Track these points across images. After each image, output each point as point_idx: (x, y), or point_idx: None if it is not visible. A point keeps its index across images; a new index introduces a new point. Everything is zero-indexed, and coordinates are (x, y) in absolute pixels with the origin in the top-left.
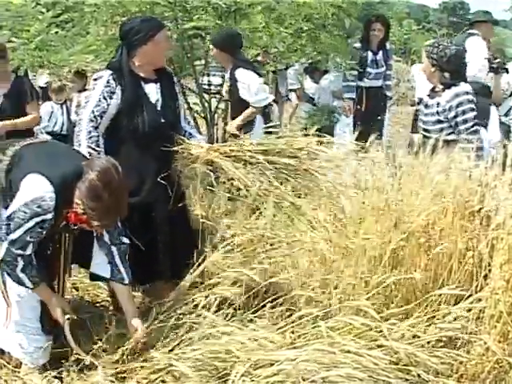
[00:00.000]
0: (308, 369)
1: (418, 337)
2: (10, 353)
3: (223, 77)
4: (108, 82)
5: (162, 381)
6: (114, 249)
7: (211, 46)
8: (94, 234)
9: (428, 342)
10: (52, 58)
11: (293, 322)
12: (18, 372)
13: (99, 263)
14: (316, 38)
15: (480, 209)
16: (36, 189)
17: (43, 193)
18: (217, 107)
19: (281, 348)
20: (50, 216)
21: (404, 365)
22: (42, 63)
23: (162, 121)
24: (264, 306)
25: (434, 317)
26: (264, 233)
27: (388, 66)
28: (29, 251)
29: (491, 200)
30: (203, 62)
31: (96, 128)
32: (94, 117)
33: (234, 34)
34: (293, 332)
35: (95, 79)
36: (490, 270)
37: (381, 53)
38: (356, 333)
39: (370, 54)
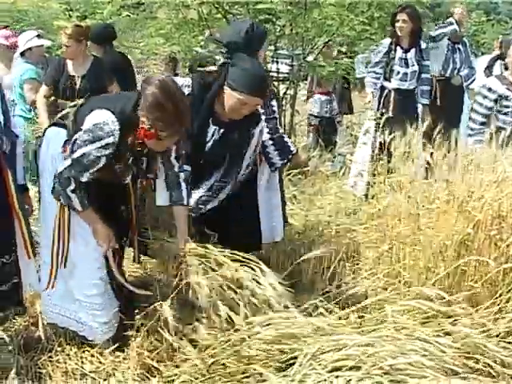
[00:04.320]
0: (375, 355)
1: (485, 326)
2: (76, 331)
3: (291, 65)
4: None
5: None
6: (181, 174)
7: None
8: (160, 162)
9: (497, 335)
10: (123, 40)
11: (358, 308)
12: (86, 346)
13: (161, 194)
14: (386, 26)
15: None
16: (99, 117)
17: (106, 118)
18: (285, 93)
19: (347, 332)
20: (112, 139)
21: (472, 354)
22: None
23: (201, 162)
24: (329, 291)
25: (502, 310)
26: (329, 220)
27: (423, 68)
28: (84, 178)
29: None
30: (273, 47)
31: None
32: None
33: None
34: (360, 317)
35: None
36: None
37: (413, 51)
38: (422, 318)
39: (399, 50)
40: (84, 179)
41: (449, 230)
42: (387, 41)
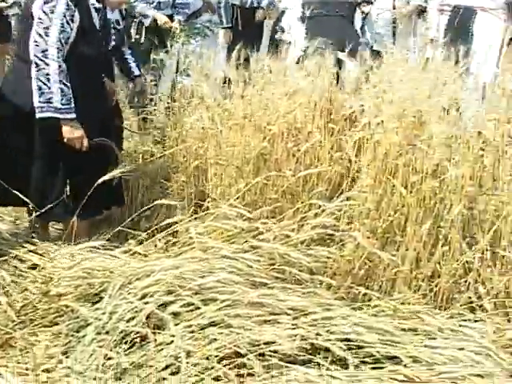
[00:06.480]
0: (184, 277)
1: (289, 237)
2: None
3: None
4: (68, 5)
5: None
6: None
7: None
8: None
9: (302, 242)
10: None
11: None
12: None
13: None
14: None
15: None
16: None
17: None
18: None
19: (155, 259)
20: None
21: (279, 265)
22: None
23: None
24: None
25: (305, 217)
26: (134, 149)
27: None
28: None
29: (357, 102)
30: None
31: (64, 60)
32: (62, 45)
33: None
34: (166, 242)
35: (46, 2)
36: (358, 171)
37: None
38: (227, 236)
39: None
40: None
41: (246, 146)
42: None
